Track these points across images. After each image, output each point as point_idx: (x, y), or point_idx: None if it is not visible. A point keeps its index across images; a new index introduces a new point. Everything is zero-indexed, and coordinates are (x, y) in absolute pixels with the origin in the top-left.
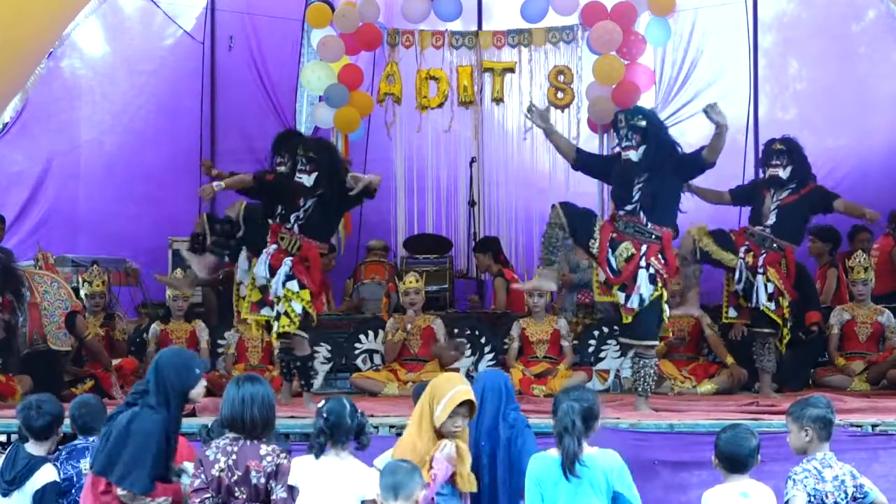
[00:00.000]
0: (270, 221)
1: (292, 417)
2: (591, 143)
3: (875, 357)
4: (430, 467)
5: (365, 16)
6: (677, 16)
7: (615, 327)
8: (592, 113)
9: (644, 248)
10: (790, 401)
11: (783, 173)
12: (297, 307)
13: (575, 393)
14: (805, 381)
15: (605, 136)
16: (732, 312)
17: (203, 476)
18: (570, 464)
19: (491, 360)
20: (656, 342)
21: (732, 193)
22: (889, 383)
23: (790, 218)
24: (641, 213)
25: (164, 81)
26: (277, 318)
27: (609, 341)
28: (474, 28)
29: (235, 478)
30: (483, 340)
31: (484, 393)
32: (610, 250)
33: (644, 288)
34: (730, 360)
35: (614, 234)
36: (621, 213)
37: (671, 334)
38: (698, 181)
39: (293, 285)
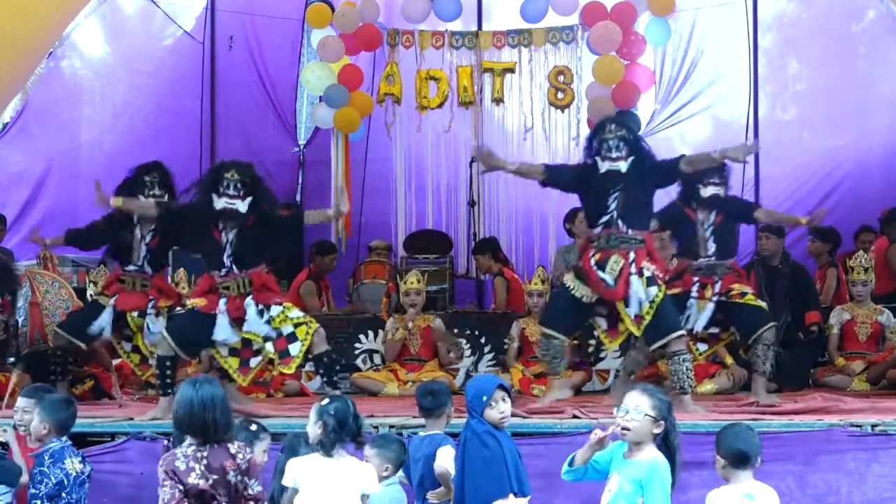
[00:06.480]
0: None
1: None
2: None
3: (875, 357)
4: None
5: (365, 16)
6: (677, 16)
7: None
8: (592, 113)
9: (632, 255)
10: (790, 401)
11: (722, 192)
12: (291, 324)
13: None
14: (805, 381)
15: None
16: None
17: (180, 487)
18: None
19: (491, 360)
20: (682, 331)
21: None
22: (889, 383)
23: (726, 236)
24: (620, 223)
25: (164, 81)
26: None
27: None
28: (474, 28)
29: (211, 482)
30: (483, 340)
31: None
32: (599, 271)
33: (641, 292)
34: (729, 360)
35: (598, 255)
36: (597, 230)
37: None
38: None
39: (275, 311)
